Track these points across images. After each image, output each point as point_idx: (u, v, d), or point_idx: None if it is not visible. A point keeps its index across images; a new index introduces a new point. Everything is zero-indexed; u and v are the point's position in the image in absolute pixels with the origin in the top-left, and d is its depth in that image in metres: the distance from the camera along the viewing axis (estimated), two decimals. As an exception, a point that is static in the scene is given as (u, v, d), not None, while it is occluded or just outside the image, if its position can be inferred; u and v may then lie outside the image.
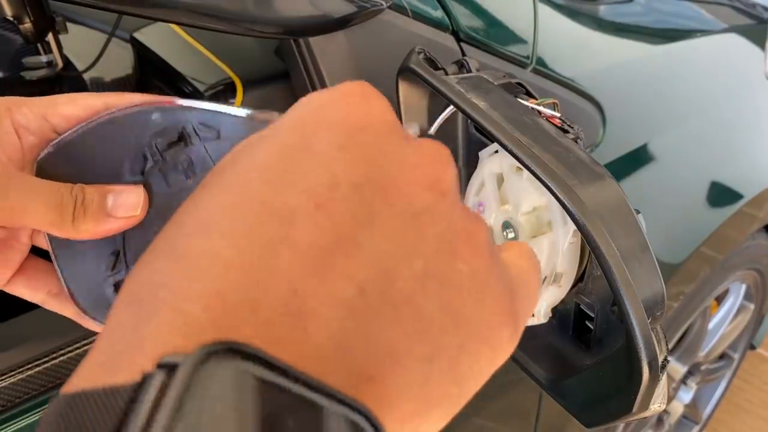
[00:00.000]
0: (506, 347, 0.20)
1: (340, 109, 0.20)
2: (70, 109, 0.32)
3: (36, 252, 0.35)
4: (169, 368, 0.14)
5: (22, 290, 0.34)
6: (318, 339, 0.16)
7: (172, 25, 0.78)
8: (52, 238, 0.33)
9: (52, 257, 0.33)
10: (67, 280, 0.33)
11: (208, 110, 0.33)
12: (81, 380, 0.16)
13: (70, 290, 0.33)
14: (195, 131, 0.32)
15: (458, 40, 0.71)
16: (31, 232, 0.34)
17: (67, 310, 0.34)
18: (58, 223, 0.30)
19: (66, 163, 0.32)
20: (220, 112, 0.32)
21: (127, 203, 0.32)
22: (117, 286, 0.33)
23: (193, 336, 0.15)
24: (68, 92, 0.33)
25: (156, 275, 0.17)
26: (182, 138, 0.33)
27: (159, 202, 0.33)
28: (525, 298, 0.22)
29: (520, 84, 0.50)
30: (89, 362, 0.16)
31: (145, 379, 0.14)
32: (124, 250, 0.33)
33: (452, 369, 0.18)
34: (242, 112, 0.33)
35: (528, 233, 0.48)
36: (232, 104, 0.72)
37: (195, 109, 0.32)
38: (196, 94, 0.72)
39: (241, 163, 0.19)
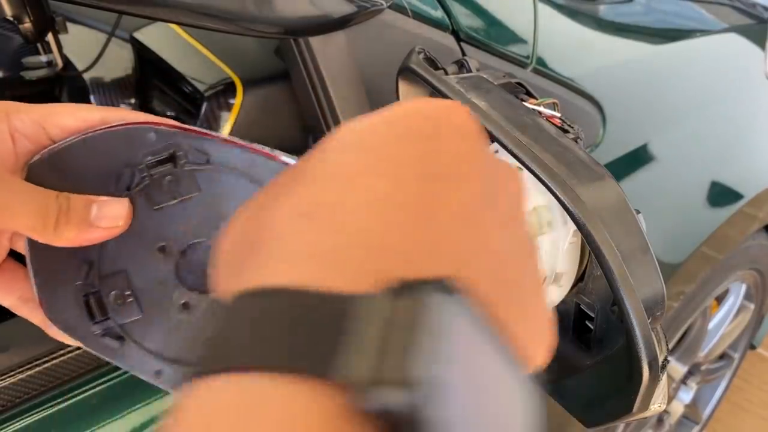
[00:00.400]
0: (547, 321, 0.23)
1: (450, 113, 0.22)
2: (67, 120, 0.33)
3: (13, 256, 0.35)
4: (389, 290, 0.15)
5: None
6: (487, 284, 0.18)
7: (172, 25, 0.78)
8: (30, 243, 0.33)
9: (27, 262, 0.33)
10: (38, 286, 0.33)
11: (202, 136, 0.33)
12: (282, 276, 0.17)
13: (40, 297, 0.33)
14: (186, 154, 0.33)
15: (458, 39, 0.71)
16: (11, 235, 0.34)
17: (36, 317, 0.34)
18: (39, 228, 0.30)
19: (56, 171, 0.32)
20: (213, 139, 0.33)
21: (110, 214, 0.32)
22: (86, 297, 0.33)
23: (388, 263, 0.17)
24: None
25: (328, 196, 0.19)
26: (172, 158, 0.33)
27: (140, 219, 0.33)
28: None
29: (520, 84, 0.50)
30: (279, 261, 0.17)
31: (372, 295, 0.15)
32: (99, 261, 0.34)
33: (542, 325, 0.22)
34: (235, 140, 0.33)
35: (528, 233, 0.48)
36: (232, 105, 0.72)
37: (189, 134, 0.33)
38: (196, 95, 0.72)
39: (377, 131, 0.21)
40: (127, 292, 0.34)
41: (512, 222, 0.22)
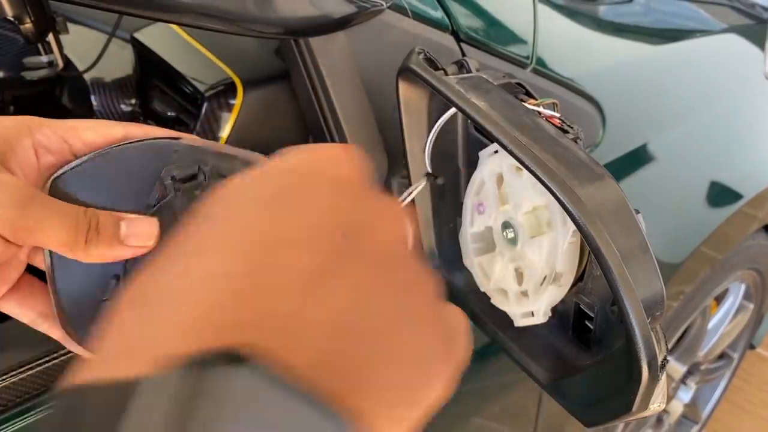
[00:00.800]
0: (446, 385, 0.22)
1: (334, 163, 0.23)
2: (90, 135, 0.33)
3: (29, 271, 0.34)
4: (175, 367, 0.15)
5: (14, 308, 0.34)
6: (304, 355, 0.18)
7: (173, 26, 0.78)
8: (53, 258, 0.32)
9: (49, 277, 0.33)
10: (60, 301, 0.33)
11: (225, 153, 0.33)
12: (86, 374, 0.17)
13: (60, 312, 0.33)
14: (211, 168, 0.33)
15: (458, 40, 0.71)
16: (29, 249, 0.34)
17: (56, 332, 0.34)
18: (70, 244, 0.30)
19: (79, 185, 0.32)
20: (236, 156, 0.33)
21: (140, 232, 0.32)
22: None
23: (192, 341, 0.17)
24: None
25: (159, 284, 0.19)
26: (197, 173, 0.33)
27: (168, 233, 0.33)
28: (460, 347, 0.24)
29: (519, 84, 0.50)
30: (94, 359, 0.18)
31: (148, 377, 0.15)
32: (125, 275, 0.33)
33: (412, 393, 0.21)
34: (256, 157, 0.34)
35: (528, 233, 0.48)
36: (232, 105, 0.72)
37: (212, 150, 0.33)
38: (196, 95, 0.72)
39: (241, 195, 0.21)
40: None
41: (384, 273, 0.21)
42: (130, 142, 0.33)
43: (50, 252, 0.32)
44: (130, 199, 0.33)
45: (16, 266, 0.33)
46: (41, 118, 0.33)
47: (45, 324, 0.34)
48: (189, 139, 0.34)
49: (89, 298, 0.33)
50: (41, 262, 0.33)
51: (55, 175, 0.32)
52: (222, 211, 0.21)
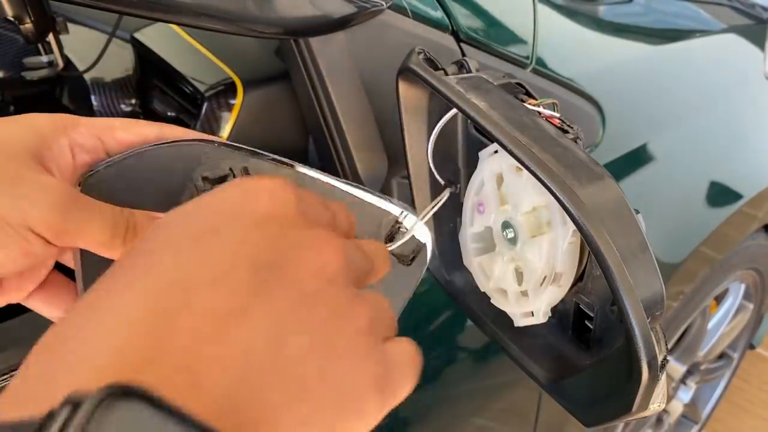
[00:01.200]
0: (373, 418, 0.22)
1: (249, 202, 0.23)
2: (124, 135, 0.33)
3: (56, 267, 0.35)
4: (73, 405, 0.16)
5: (40, 305, 0.34)
6: (209, 393, 0.18)
7: (173, 26, 0.78)
8: (83, 257, 0.33)
9: (78, 274, 0.33)
10: None
11: (253, 154, 0.34)
12: None
13: None
14: (240, 171, 0.34)
15: (458, 40, 0.71)
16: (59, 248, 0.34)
17: None
18: (108, 243, 0.31)
19: (112, 183, 0.33)
20: (261, 160, 0.34)
21: None
22: None
23: (95, 381, 0.17)
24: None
25: (69, 329, 0.20)
26: (229, 176, 0.34)
27: None
28: (398, 381, 0.24)
29: (519, 84, 0.50)
30: (5, 398, 0.18)
31: (51, 414, 0.16)
32: None
33: (329, 429, 0.21)
34: (283, 159, 0.34)
35: (527, 233, 0.48)
36: (232, 105, 0.72)
37: (241, 152, 0.34)
38: (196, 95, 0.72)
39: (156, 240, 0.22)
40: None
41: (301, 308, 0.21)
42: (162, 143, 0.33)
43: (81, 250, 0.32)
44: (160, 198, 0.33)
45: (45, 264, 0.33)
46: (77, 117, 0.33)
47: None
48: (221, 141, 0.34)
49: None
50: (69, 260, 0.34)
51: (89, 173, 0.32)
52: (147, 250, 0.22)
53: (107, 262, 0.31)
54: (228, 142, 0.34)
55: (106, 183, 0.32)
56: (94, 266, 0.33)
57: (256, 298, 0.21)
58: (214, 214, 0.23)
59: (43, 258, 0.31)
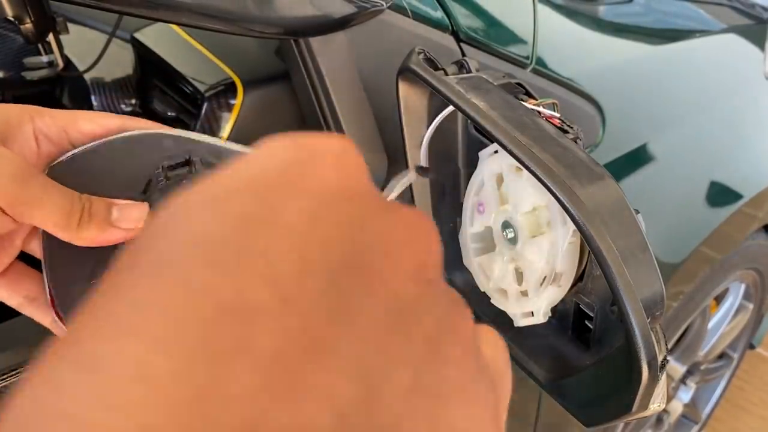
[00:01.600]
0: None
1: (311, 172, 0.16)
2: (88, 126, 0.34)
3: (20, 258, 0.36)
4: None
5: (2, 292, 0.35)
6: None
7: (173, 26, 0.78)
8: (47, 243, 0.34)
9: (43, 261, 0.34)
10: (53, 286, 0.34)
11: (216, 146, 0.35)
12: None
13: (52, 296, 0.34)
14: (201, 159, 0.35)
15: (458, 40, 0.71)
16: (25, 235, 0.35)
17: (42, 317, 0.35)
18: (63, 225, 0.31)
19: (76, 173, 0.34)
20: (228, 149, 0.35)
21: (130, 216, 0.33)
22: None
23: None
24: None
25: (58, 397, 0.12)
26: (188, 163, 0.35)
27: None
28: (504, 398, 0.19)
29: (519, 84, 0.50)
30: None
31: None
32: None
33: None
34: (247, 149, 0.34)
35: (527, 233, 0.48)
36: (232, 105, 0.72)
37: (204, 143, 0.35)
38: (196, 95, 0.72)
39: (178, 234, 0.14)
40: None
41: (404, 328, 0.15)
42: (125, 134, 0.34)
43: (45, 236, 0.33)
44: (123, 188, 0.34)
45: (9, 252, 0.34)
46: (43, 108, 0.34)
47: (30, 307, 0.35)
48: (183, 132, 0.35)
49: (83, 283, 0.34)
50: (35, 250, 0.35)
51: (53, 163, 0.33)
52: (153, 265, 0.14)
53: (72, 250, 0.32)
54: (193, 133, 0.35)
55: (69, 172, 0.33)
56: (59, 254, 0.34)
57: (339, 324, 0.14)
58: (263, 192, 0.15)
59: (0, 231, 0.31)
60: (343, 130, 0.64)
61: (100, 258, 0.34)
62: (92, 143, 0.34)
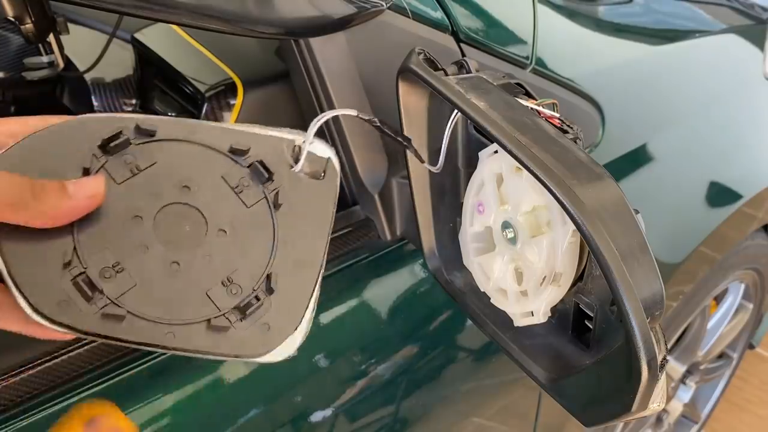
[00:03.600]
0: None
1: None
2: (15, 127, 0.34)
3: None
4: None
5: None
6: None
7: (173, 26, 0.78)
8: (4, 246, 0.32)
9: (4, 265, 0.32)
10: (20, 285, 0.32)
11: (143, 117, 0.36)
12: None
13: (23, 294, 0.32)
14: (132, 133, 0.36)
15: (458, 40, 0.71)
16: None
17: (10, 324, 0.34)
18: (18, 202, 0.30)
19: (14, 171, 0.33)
20: (149, 117, 0.36)
21: (87, 186, 0.33)
22: (74, 281, 0.34)
23: None
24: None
25: None
26: (120, 138, 0.35)
27: (109, 197, 0.35)
28: None
29: (519, 84, 0.50)
30: None
31: None
32: (78, 245, 0.34)
33: None
34: (163, 118, 0.37)
35: (527, 233, 0.48)
36: (232, 105, 0.72)
37: (131, 117, 0.36)
38: (196, 95, 0.72)
39: None
40: (115, 263, 0.34)
41: None
42: (54, 126, 0.34)
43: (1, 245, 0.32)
44: (67, 175, 0.34)
45: None
46: None
47: None
48: (108, 113, 0.36)
49: (50, 274, 0.33)
50: None
51: None
52: None
53: (32, 243, 0.32)
54: (118, 113, 0.36)
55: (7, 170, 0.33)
56: (17, 249, 0.33)
57: None
58: None
59: None
60: (343, 130, 0.64)
61: (65, 245, 0.33)
62: (22, 139, 0.33)
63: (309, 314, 0.40)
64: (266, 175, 0.39)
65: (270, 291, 0.38)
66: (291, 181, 0.40)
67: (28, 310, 0.33)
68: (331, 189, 0.41)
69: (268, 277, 0.38)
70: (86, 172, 0.35)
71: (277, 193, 0.39)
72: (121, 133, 0.35)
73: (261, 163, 0.39)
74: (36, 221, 0.31)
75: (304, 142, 0.41)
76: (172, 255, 0.36)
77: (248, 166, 0.39)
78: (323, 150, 0.42)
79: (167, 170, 0.37)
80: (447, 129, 0.51)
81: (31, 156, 0.33)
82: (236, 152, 0.39)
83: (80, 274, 0.34)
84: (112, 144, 0.35)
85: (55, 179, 0.32)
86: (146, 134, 0.36)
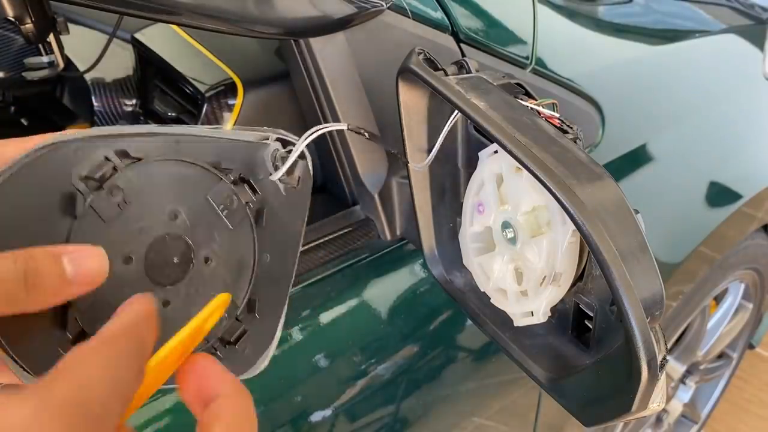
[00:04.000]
0: None
1: None
2: None
3: None
4: None
5: None
6: None
7: (173, 26, 0.78)
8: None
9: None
10: (19, 358, 0.30)
11: (123, 134, 0.33)
12: None
13: (23, 367, 0.30)
14: (113, 160, 0.33)
15: (458, 40, 0.71)
16: None
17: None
18: (8, 299, 0.26)
19: None
20: (126, 137, 0.33)
21: (90, 268, 0.28)
22: (75, 340, 0.31)
23: None
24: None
25: None
26: (105, 164, 0.32)
27: (98, 238, 0.32)
28: None
29: (519, 84, 0.50)
30: None
31: None
32: (69, 311, 0.32)
33: None
34: (142, 130, 0.33)
35: (527, 233, 0.48)
36: (232, 105, 0.72)
37: (106, 139, 0.32)
38: (196, 95, 0.72)
39: None
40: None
41: None
42: (23, 159, 0.30)
43: None
44: (49, 215, 0.31)
45: None
46: None
47: None
48: (83, 132, 0.32)
49: (47, 341, 0.31)
50: None
51: None
52: None
53: (27, 327, 0.29)
54: (92, 130, 0.32)
55: None
56: (10, 330, 0.30)
57: None
58: None
59: None
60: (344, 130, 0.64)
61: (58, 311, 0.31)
62: None
63: (279, 331, 0.39)
64: (250, 194, 0.38)
65: (251, 316, 0.37)
66: (272, 194, 0.39)
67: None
68: (304, 198, 0.40)
69: (249, 302, 0.37)
70: (71, 207, 0.32)
71: (259, 208, 0.38)
72: (106, 161, 0.32)
73: (244, 179, 0.38)
74: (31, 310, 0.27)
75: (288, 151, 0.40)
76: (163, 295, 0.34)
77: (232, 182, 0.37)
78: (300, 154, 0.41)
79: (154, 198, 0.34)
80: (445, 128, 0.51)
81: (9, 193, 0.30)
82: (220, 168, 0.37)
83: (80, 331, 0.32)
84: (96, 175, 0.32)
85: (36, 222, 0.29)
86: (131, 158, 0.34)
